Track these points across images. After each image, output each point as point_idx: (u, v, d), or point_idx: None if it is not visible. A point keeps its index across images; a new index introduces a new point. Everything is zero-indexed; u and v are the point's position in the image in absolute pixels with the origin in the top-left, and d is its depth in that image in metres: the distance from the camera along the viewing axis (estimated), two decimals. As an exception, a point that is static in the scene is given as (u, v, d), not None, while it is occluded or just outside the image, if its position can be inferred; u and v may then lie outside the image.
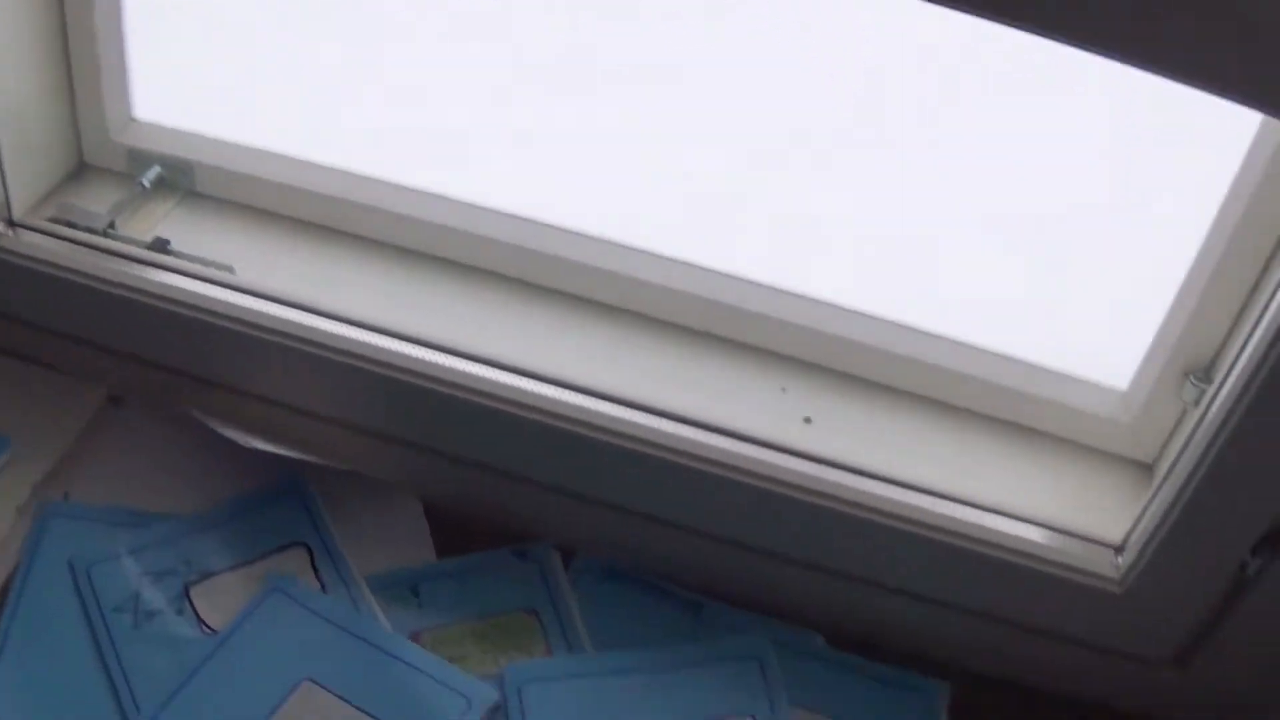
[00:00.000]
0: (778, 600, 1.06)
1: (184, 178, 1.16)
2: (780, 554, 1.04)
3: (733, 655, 1.03)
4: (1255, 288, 0.94)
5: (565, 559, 1.08)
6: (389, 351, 1.04)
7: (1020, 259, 1.06)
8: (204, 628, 1.00)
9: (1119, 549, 0.99)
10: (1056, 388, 1.07)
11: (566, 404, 1.03)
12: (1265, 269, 0.92)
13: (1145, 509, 0.97)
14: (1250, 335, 0.90)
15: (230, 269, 1.09)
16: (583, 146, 1.09)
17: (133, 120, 1.17)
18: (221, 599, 1.02)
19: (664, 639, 1.04)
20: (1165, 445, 1.04)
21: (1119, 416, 1.06)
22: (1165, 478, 0.96)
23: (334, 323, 1.06)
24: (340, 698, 0.97)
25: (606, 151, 1.09)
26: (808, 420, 1.06)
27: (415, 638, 1.02)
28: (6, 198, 1.10)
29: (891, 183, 1.05)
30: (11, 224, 1.11)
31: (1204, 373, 0.98)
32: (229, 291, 1.07)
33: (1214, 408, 0.90)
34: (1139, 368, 1.05)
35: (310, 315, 1.06)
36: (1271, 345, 0.84)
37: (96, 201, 1.14)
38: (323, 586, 1.04)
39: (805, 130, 1.04)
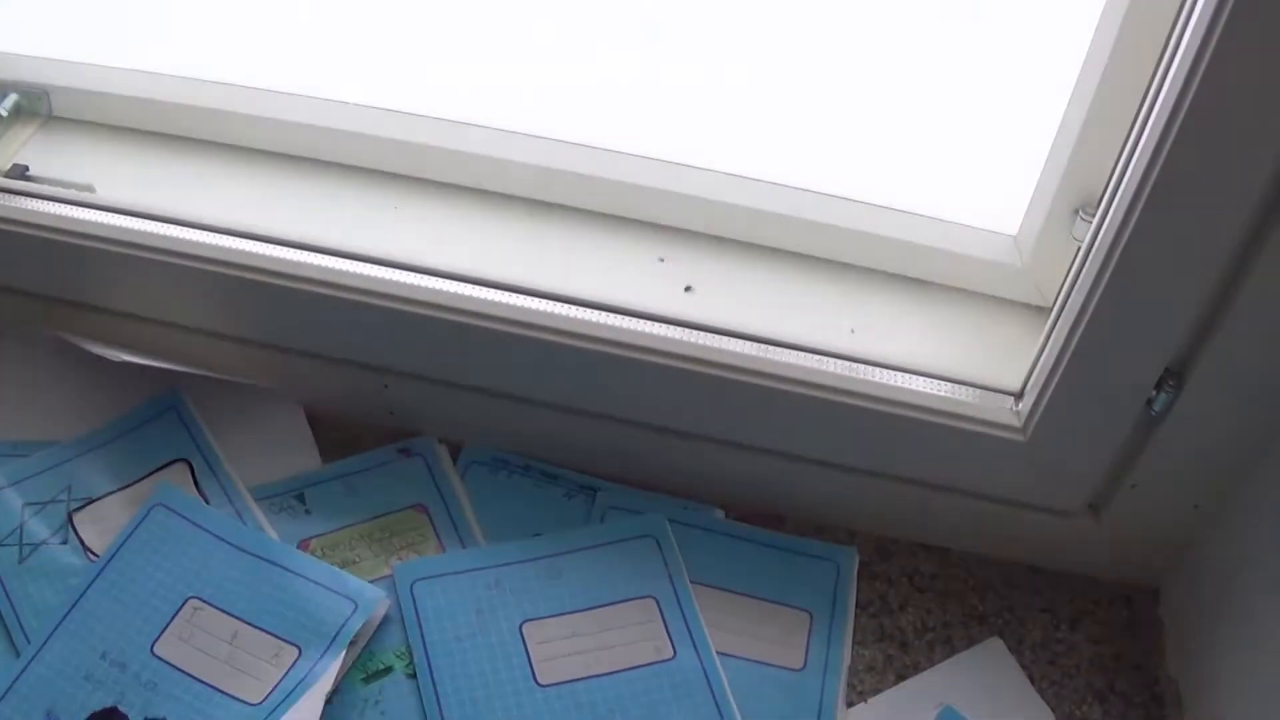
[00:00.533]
0: (675, 478, 1.04)
1: (40, 103, 1.14)
2: (673, 429, 1.02)
3: (627, 536, 1.00)
4: (1136, 118, 0.90)
5: (453, 453, 1.06)
6: (253, 255, 1.02)
7: (897, 106, 1.02)
8: (89, 554, 0.98)
9: (1018, 396, 0.97)
10: (945, 236, 1.05)
11: (435, 291, 1.00)
12: (1145, 96, 0.89)
13: (1041, 352, 0.94)
14: (1130, 161, 0.87)
15: (90, 188, 1.07)
16: (434, 27, 1.06)
17: (-14, 50, 1.15)
18: (105, 523, 1.00)
19: (559, 525, 1.02)
20: (1061, 287, 1.01)
21: (1012, 261, 1.04)
22: (1058, 318, 0.92)
23: (196, 231, 1.03)
24: (227, 612, 0.94)
25: (463, 30, 1.06)
26: (688, 289, 1.04)
27: (304, 546, 1.00)
28: None
29: (756, 35, 1.02)
30: None
31: (1094, 208, 0.94)
32: (90, 211, 1.05)
33: (1099, 239, 0.87)
34: (1027, 209, 1.02)
35: (172, 226, 1.04)
36: (1149, 167, 0.80)
37: (-43, 137, 1.11)
38: (206, 501, 1.01)
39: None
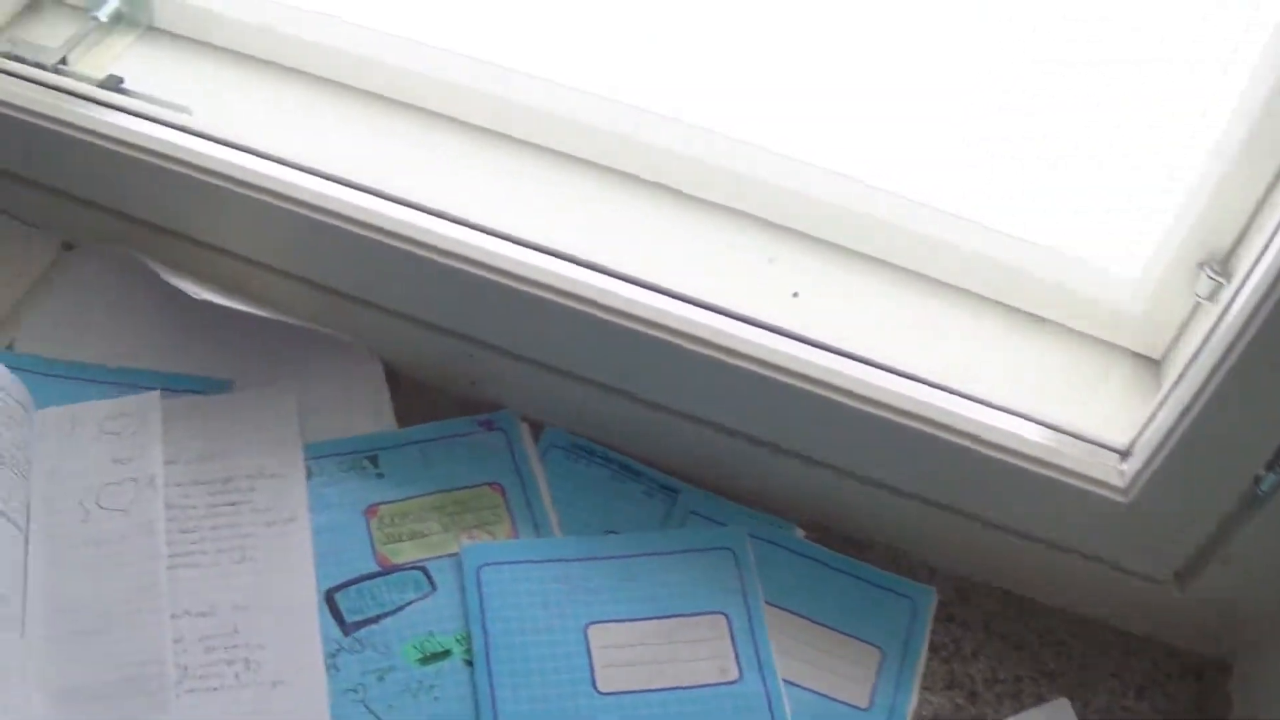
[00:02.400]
0: (758, 489, 1.00)
1: (142, 12, 1.09)
2: (762, 439, 0.98)
3: (706, 546, 0.97)
4: (1278, 178, 0.86)
5: (534, 433, 1.02)
6: (349, 204, 0.98)
7: (1033, 137, 0.98)
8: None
9: (1125, 454, 0.93)
10: (1063, 271, 1.01)
11: (541, 269, 0.96)
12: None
13: (1156, 412, 0.91)
14: (1276, 232, 0.83)
15: (187, 110, 1.02)
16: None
17: (88, -50, 1.10)
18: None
19: (635, 524, 0.98)
20: (1175, 341, 0.98)
21: (1128, 306, 1.00)
22: (1179, 380, 0.89)
23: (294, 172, 0.99)
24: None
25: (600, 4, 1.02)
26: (795, 295, 1.00)
27: (373, 511, 0.97)
28: (-47, 27, 1.03)
29: (899, 51, 0.98)
30: (-42, 56, 1.04)
31: (1220, 265, 0.91)
32: (184, 135, 1.00)
33: (1234, 307, 0.83)
34: (1151, 255, 0.98)
35: (270, 163, 0.99)
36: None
37: (50, 37, 1.07)
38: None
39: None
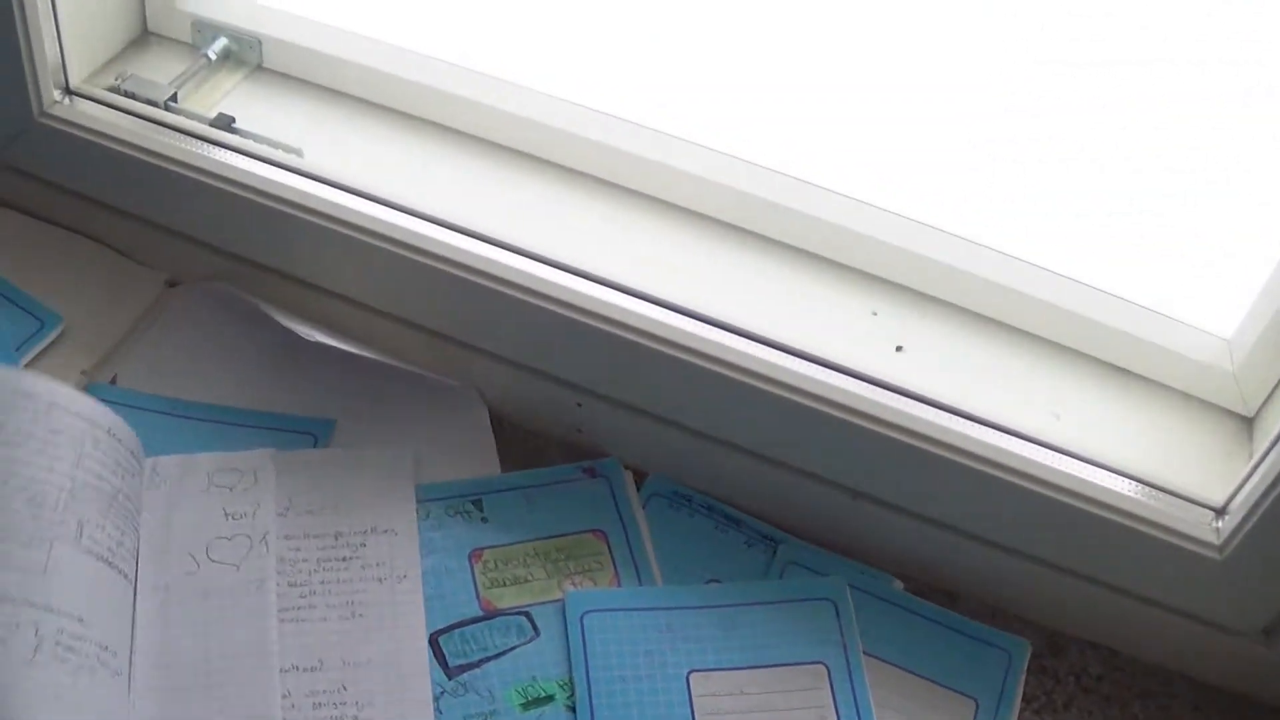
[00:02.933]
0: (856, 540, 1.01)
1: (251, 52, 1.10)
2: (864, 491, 0.99)
3: (806, 596, 0.98)
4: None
5: (637, 480, 1.03)
6: (460, 250, 0.99)
7: (1130, 194, 1.00)
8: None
9: (1220, 511, 0.94)
10: (1158, 330, 1.02)
11: (645, 318, 0.97)
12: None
13: (1252, 471, 0.92)
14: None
15: (299, 152, 1.03)
16: (683, 48, 1.03)
17: (197, -14, 1.11)
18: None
19: (735, 573, 0.99)
20: (1269, 399, 0.99)
21: (1222, 364, 1.01)
22: (1278, 439, 0.90)
23: (404, 215, 1.00)
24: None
25: (710, 56, 1.03)
26: (899, 349, 1.01)
27: (477, 556, 0.98)
28: (63, 63, 1.04)
29: (1001, 110, 0.99)
30: (68, 91, 1.05)
31: (1317, 326, 0.92)
32: (297, 177, 1.01)
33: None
34: (1246, 314, 0.99)
35: (380, 206, 1.00)
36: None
37: (158, 73, 1.08)
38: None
39: (909, 54, 0.98)
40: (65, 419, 0.92)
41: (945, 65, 1.00)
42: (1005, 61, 0.98)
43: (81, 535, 0.89)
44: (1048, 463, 0.95)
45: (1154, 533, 0.93)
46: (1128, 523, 0.93)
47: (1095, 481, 0.94)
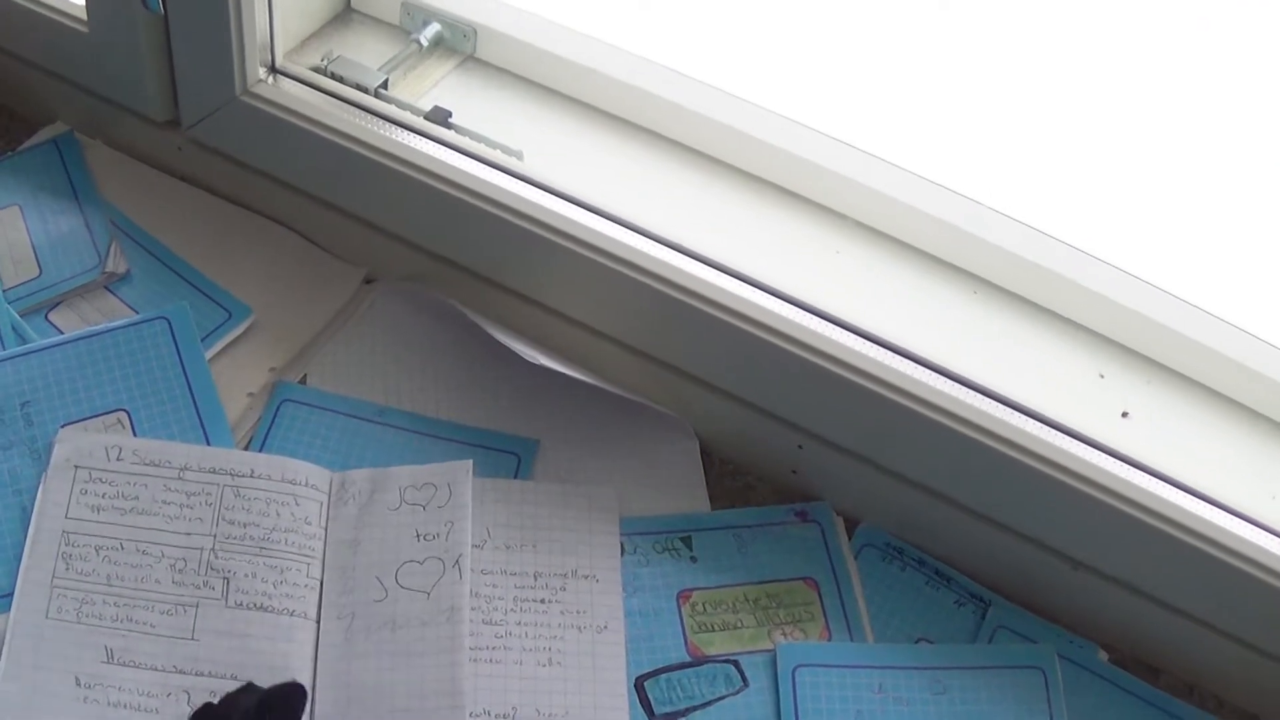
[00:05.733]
0: (1066, 606, 0.98)
1: (465, 41, 1.05)
2: (1079, 559, 0.96)
3: (1016, 664, 0.95)
4: None
5: (847, 528, 1.00)
6: (689, 276, 0.95)
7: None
8: None
9: None
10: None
11: (877, 362, 0.93)
12: None
13: None
14: None
15: (519, 155, 0.98)
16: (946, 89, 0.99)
17: (411, -34, 1.06)
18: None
19: (945, 632, 0.96)
20: None
21: None
22: None
23: (629, 233, 0.96)
24: None
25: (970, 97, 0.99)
26: (1125, 415, 0.98)
27: (685, 596, 0.94)
28: (271, 39, 0.99)
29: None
30: (274, 70, 1.00)
31: None
32: (517, 181, 0.97)
33: None
34: None
35: (604, 221, 0.96)
36: None
37: (363, 54, 1.03)
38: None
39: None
40: (198, 479, 0.92)
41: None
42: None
43: (229, 590, 0.88)
44: (1263, 544, 0.92)
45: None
46: (1337, 614, 0.91)
47: (1305, 566, 0.92)
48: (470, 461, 0.95)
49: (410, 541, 0.92)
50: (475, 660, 0.89)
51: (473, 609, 0.91)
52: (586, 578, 0.94)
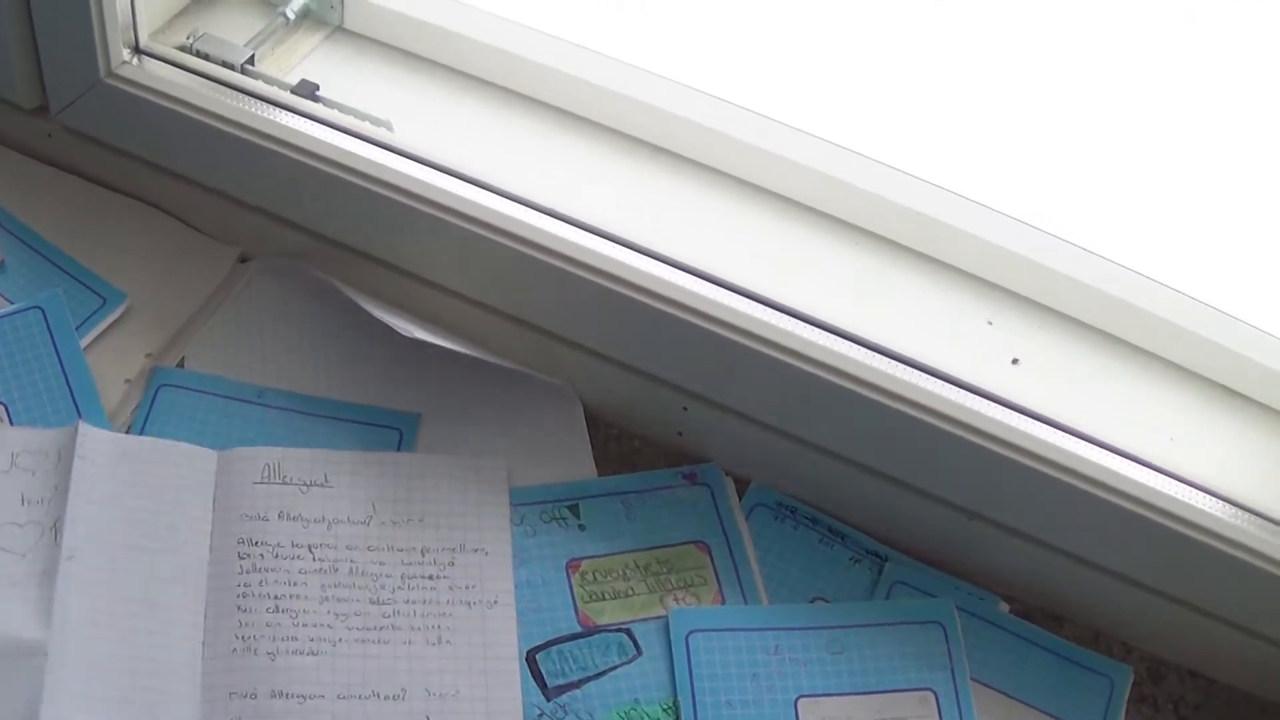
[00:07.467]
0: (963, 559, 0.97)
1: (332, 12, 1.03)
2: (973, 510, 0.95)
3: (915, 619, 0.94)
4: None
5: (737, 488, 0.98)
6: (563, 240, 0.93)
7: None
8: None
9: (1329, 544, 0.91)
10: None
11: (757, 320, 0.92)
12: None
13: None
14: None
15: (389, 125, 0.97)
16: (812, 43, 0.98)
17: (274, -62, 1.04)
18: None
19: (841, 590, 0.95)
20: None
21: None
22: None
23: (502, 200, 0.94)
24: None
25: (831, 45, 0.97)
26: (1015, 361, 0.96)
27: (574, 566, 0.93)
28: (134, 20, 0.97)
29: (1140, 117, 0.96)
30: (138, 51, 0.98)
31: None
32: (387, 153, 0.95)
33: None
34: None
35: (477, 189, 0.95)
36: None
37: (229, 30, 1.01)
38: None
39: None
40: None
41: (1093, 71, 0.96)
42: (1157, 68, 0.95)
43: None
44: (1161, 488, 0.91)
45: (1261, 564, 0.90)
46: (1235, 552, 0.90)
47: (1206, 509, 0.91)
48: (76, 426, 0.90)
49: (15, 506, 0.88)
50: (366, 642, 0.88)
51: (359, 588, 0.90)
52: (476, 551, 0.92)
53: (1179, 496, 0.91)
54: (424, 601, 0.90)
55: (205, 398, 0.96)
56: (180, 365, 0.97)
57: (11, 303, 0.98)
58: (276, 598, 0.88)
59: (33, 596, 0.84)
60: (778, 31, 1.01)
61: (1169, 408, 0.98)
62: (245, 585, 0.88)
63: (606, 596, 0.92)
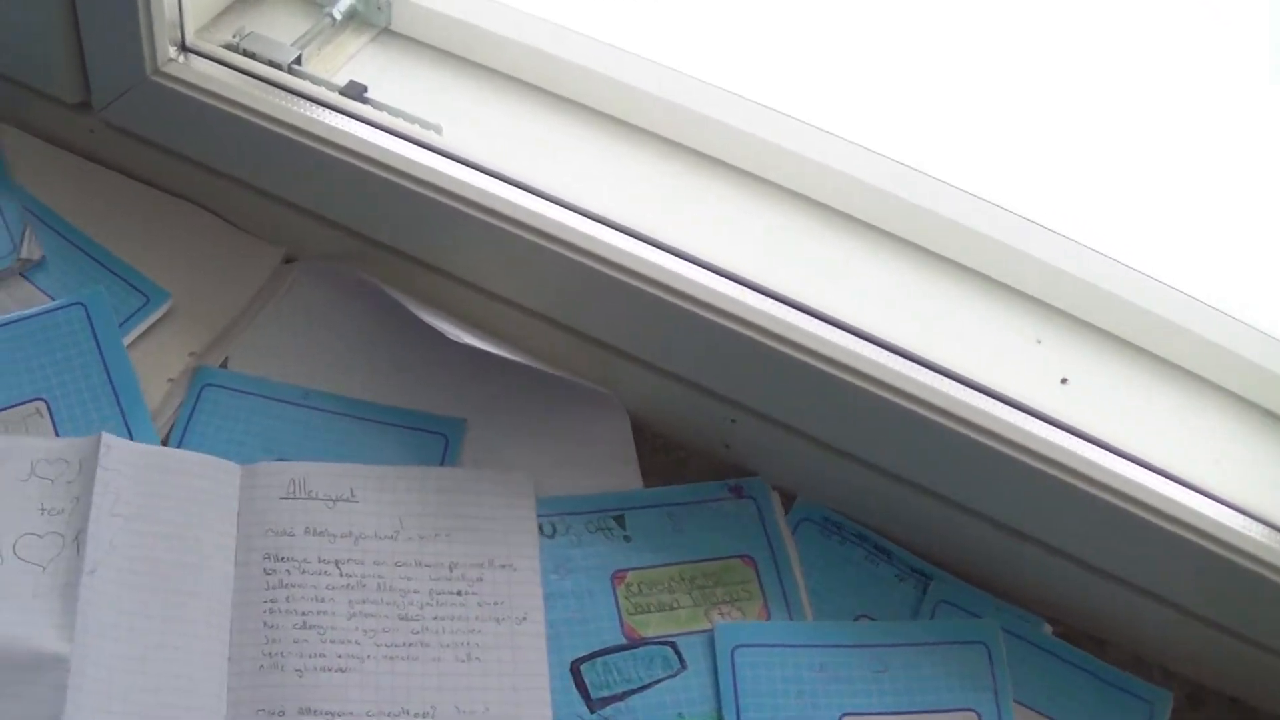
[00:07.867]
0: (1009, 580, 0.97)
1: (379, 13, 1.02)
2: (1022, 531, 0.94)
3: (959, 639, 0.93)
4: None
5: (785, 503, 0.97)
6: (616, 249, 0.92)
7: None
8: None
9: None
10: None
11: (810, 334, 0.91)
12: None
13: None
14: None
15: (438, 129, 0.96)
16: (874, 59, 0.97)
17: (321, -63, 1.03)
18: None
19: (885, 608, 0.94)
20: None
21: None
22: None
23: (555, 207, 0.93)
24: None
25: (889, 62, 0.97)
26: (1064, 381, 0.96)
27: (620, 577, 0.92)
28: (181, 17, 0.96)
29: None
30: (184, 48, 0.97)
31: None
32: (436, 156, 0.94)
33: None
34: None
35: (529, 196, 0.94)
36: None
37: (275, 29, 1.01)
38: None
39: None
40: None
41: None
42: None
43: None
44: (1206, 512, 0.90)
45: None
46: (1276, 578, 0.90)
47: (1252, 535, 0.90)
48: (99, 437, 0.89)
49: (34, 516, 0.87)
50: (392, 658, 0.87)
51: (387, 604, 0.88)
52: (504, 567, 0.91)
53: (1225, 521, 0.90)
54: (452, 618, 0.89)
55: (249, 398, 0.95)
56: (224, 365, 0.97)
57: (53, 300, 0.97)
58: (304, 614, 0.87)
59: (56, 609, 0.83)
60: (848, 47, 1.00)
61: (1216, 430, 0.97)
62: (272, 601, 0.87)
63: (652, 609, 0.91)
